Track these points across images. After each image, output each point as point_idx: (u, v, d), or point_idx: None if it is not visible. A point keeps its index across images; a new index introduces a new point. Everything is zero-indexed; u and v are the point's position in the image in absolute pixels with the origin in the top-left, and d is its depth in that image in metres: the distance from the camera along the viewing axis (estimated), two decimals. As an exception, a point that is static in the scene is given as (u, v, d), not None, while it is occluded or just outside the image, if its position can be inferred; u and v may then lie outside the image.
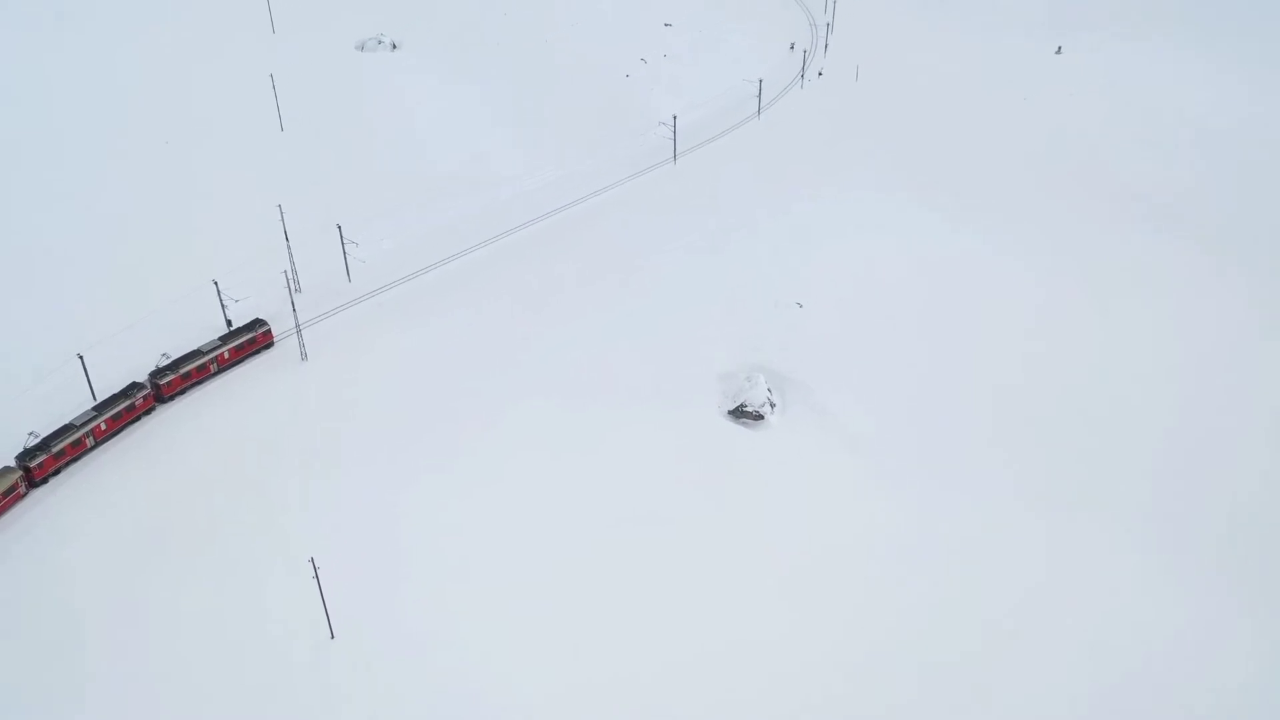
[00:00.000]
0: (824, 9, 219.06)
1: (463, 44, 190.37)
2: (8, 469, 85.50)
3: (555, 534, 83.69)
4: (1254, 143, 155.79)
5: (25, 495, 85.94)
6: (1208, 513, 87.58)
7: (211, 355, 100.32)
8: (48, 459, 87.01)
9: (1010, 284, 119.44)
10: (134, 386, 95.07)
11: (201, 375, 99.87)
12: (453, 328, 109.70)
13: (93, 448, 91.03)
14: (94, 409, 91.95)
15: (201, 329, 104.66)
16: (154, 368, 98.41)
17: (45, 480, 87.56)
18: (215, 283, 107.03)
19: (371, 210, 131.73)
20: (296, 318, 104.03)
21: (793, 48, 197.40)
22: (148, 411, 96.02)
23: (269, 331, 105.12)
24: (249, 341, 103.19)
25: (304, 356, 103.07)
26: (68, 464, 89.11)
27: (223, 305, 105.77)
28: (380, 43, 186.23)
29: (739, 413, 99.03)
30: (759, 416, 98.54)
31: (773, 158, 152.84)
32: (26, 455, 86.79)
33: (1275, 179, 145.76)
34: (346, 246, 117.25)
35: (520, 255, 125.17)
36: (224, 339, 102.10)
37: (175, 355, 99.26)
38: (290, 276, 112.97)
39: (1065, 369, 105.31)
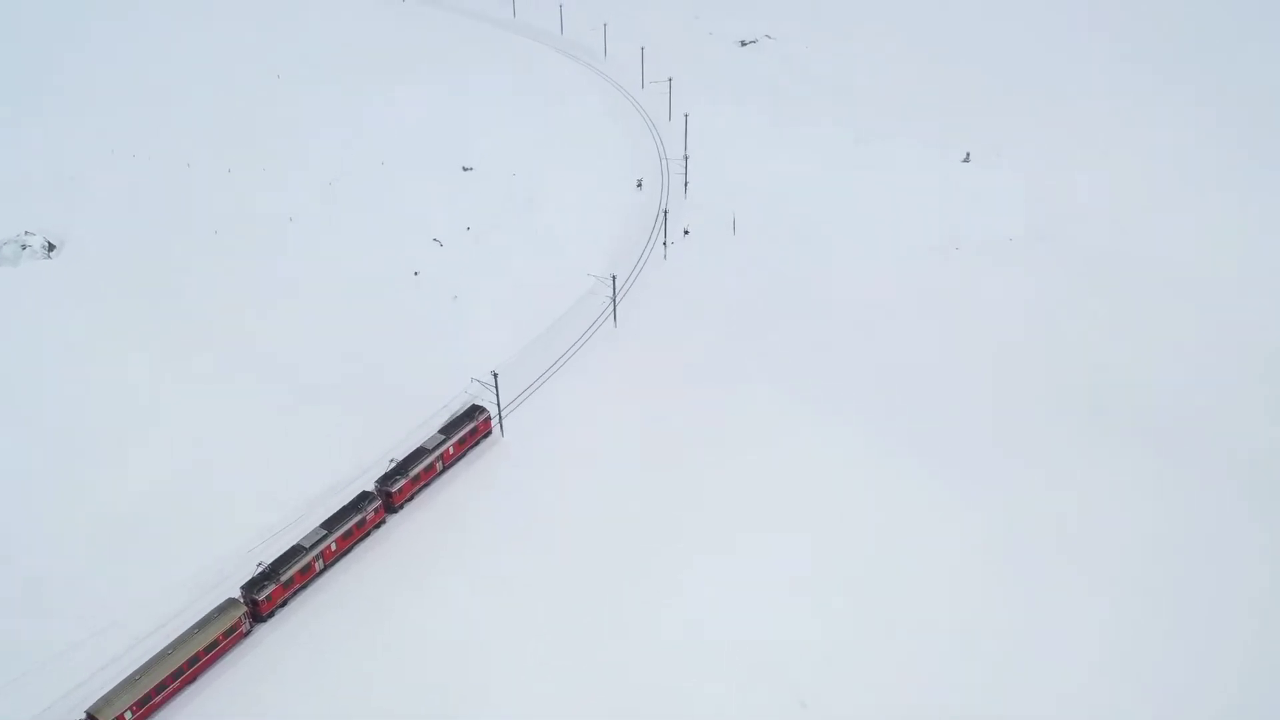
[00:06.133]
0: (667, 116, 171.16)
1: (161, 238, 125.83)
2: (231, 602, 74.19)
3: None
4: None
5: (250, 633, 74.84)
6: None
7: (438, 453, 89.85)
8: (276, 589, 75.74)
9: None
10: (364, 497, 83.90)
11: (430, 476, 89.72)
12: None
13: (321, 572, 79.79)
14: (323, 526, 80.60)
15: None
16: (382, 473, 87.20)
17: (272, 614, 76.21)
18: None
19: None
20: None
21: (640, 185, 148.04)
22: (378, 525, 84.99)
23: (489, 419, 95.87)
24: (470, 432, 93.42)
25: None
26: (296, 593, 77.85)
27: None
28: (26, 247, 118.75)
29: None
30: None
31: (646, 404, 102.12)
32: (253, 586, 75.34)
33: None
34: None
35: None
36: (445, 431, 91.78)
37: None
38: None
39: None
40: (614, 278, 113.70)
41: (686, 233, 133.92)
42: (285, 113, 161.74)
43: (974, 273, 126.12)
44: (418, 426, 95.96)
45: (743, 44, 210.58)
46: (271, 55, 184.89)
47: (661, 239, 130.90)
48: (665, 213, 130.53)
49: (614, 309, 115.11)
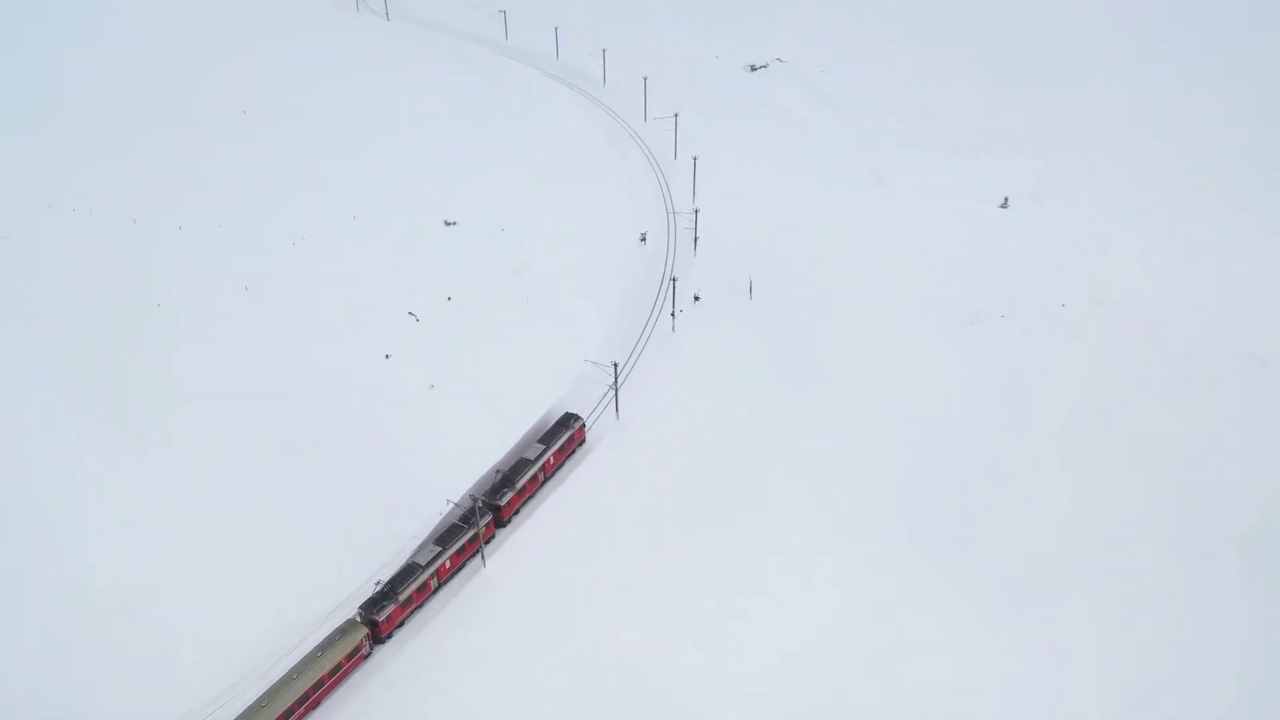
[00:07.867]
0: (673, 155, 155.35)
1: (101, 312, 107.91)
2: (351, 623, 72.75)
3: None
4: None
5: (370, 655, 73.43)
6: None
7: (539, 464, 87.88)
8: (395, 609, 74.33)
9: None
10: (473, 512, 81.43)
11: (534, 489, 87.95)
12: None
13: (436, 590, 78.51)
14: (436, 544, 79.27)
15: None
16: (490, 486, 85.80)
17: (390, 635, 74.84)
18: None
19: None
20: None
21: (644, 239, 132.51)
22: (488, 541, 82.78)
23: (583, 427, 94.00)
24: (568, 441, 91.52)
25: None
26: (412, 613, 76.67)
27: None
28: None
29: None
30: None
31: (653, 522, 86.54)
32: (372, 605, 73.98)
33: None
34: None
35: None
36: (544, 441, 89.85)
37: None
38: None
39: None
40: (615, 365, 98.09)
41: (697, 299, 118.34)
42: (249, 154, 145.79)
43: (1024, 347, 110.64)
44: (385, 562, 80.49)
45: (752, 69, 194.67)
46: (236, 85, 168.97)
47: (668, 308, 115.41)
48: (674, 280, 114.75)
49: (615, 399, 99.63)
